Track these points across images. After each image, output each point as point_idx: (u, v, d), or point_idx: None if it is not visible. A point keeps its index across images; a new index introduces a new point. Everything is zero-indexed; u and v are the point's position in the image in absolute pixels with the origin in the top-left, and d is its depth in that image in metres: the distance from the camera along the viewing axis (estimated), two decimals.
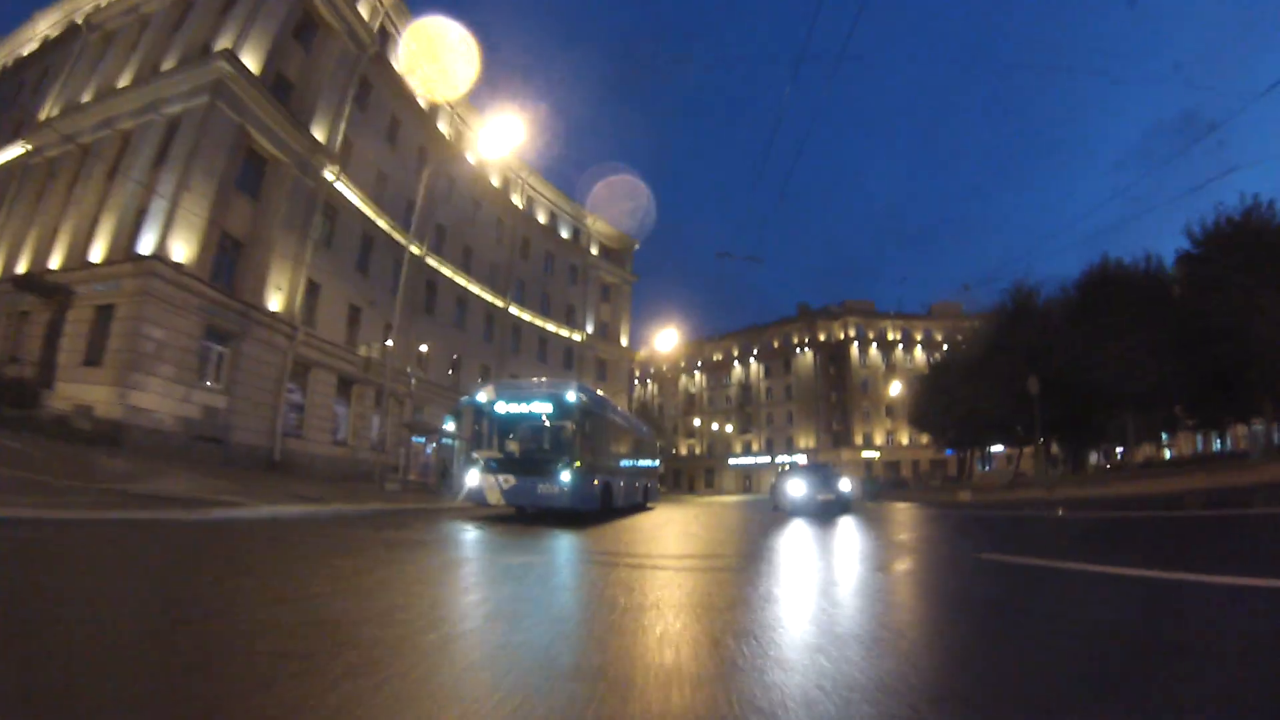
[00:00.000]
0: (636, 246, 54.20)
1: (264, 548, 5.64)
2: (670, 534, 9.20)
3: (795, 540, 7.85)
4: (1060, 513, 12.60)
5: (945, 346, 56.80)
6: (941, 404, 37.17)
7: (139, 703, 1.61)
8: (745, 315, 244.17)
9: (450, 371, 34.88)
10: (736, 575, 4.69)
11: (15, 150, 27.16)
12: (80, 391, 18.42)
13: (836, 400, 67.79)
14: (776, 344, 73.89)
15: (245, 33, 22.32)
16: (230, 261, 21.62)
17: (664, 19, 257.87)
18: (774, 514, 15.19)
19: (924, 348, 69.39)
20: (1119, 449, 43.89)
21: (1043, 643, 2.54)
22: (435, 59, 33.12)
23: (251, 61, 22.09)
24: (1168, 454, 47.97)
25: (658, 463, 25.73)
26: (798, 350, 71.99)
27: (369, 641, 2.30)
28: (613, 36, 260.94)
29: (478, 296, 37.45)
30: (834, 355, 69.37)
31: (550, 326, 45.09)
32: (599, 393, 16.06)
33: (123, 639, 2.27)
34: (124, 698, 1.64)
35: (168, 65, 23.07)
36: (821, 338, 71.07)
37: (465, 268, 36.35)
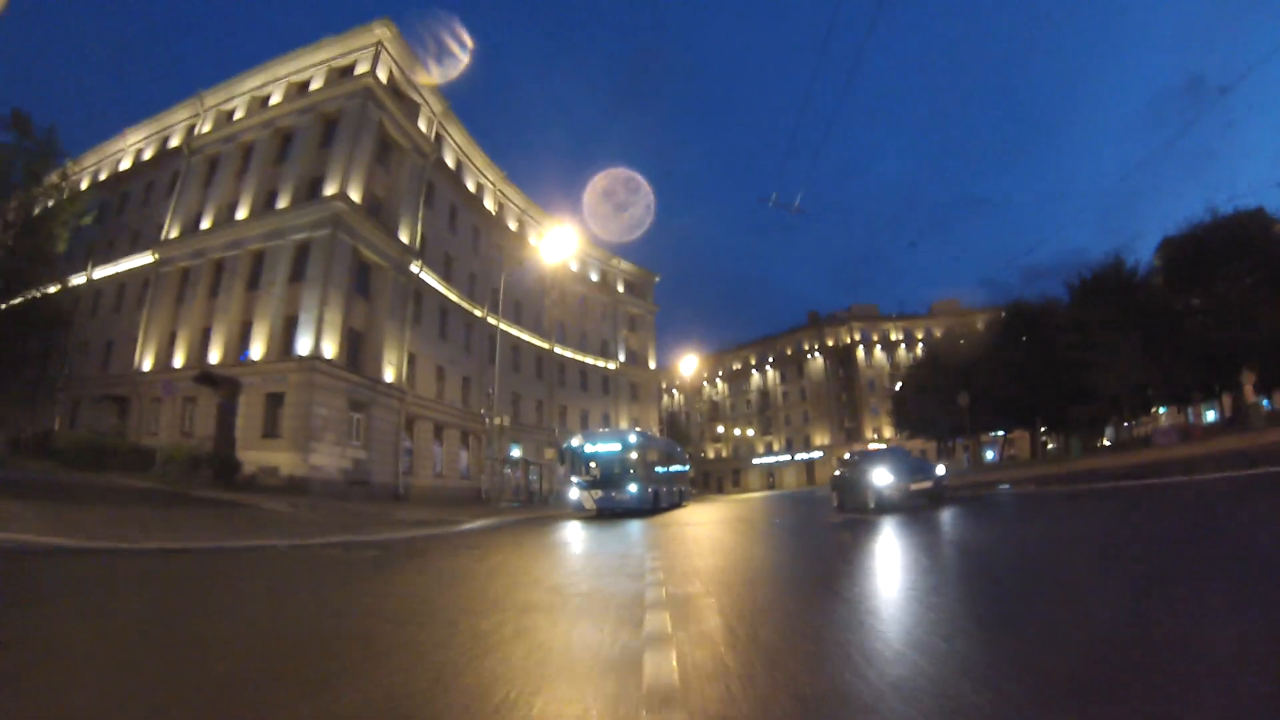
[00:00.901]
0: (657, 280, 60.74)
1: (526, 533, 12.06)
2: (694, 516, 15.59)
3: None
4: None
5: (920, 348, 62.61)
6: (933, 401, 43.08)
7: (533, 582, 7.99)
8: (761, 324, 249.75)
9: (511, 405, 41.66)
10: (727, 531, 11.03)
11: (144, 258, 34.09)
12: (263, 457, 25.18)
13: (847, 400, 73.74)
14: (789, 351, 79.99)
15: (347, 171, 29.17)
16: (356, 349, 28.50)
17: (670, 28, 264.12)
18: (835, 515, 13.19)
19: (925, 345, 74.96)
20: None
21: None
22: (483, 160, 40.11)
23: (355, 194, 28.98)
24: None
25: (688, 468, 33.08)
26: (809, 356, 78.03)
27: (598, 549, 8.67)
28: (625, 49, 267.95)
29: (529, 343, 44.26)
30: (842, 359, 75.34)
31: (588, 359, 51.77)
32: (648, 432, 22.83)
33: (520, 566, 8.65)
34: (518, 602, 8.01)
35: (284, 197, 29.97)
36: (830, 343, 77.05)
37: (517, 319, 43.18)
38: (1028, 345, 36.19)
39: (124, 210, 38.02)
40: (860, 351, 75.17)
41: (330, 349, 26.15)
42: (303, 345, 25.95)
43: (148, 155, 38.64)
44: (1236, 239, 27.97)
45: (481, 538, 11.01)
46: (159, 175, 36.75)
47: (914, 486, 12.71)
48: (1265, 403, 34.77)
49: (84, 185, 39.04)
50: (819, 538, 9.29)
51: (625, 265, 58.11)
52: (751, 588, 4.81)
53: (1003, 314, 41.64)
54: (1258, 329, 26.11)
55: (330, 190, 28.29)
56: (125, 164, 40.03)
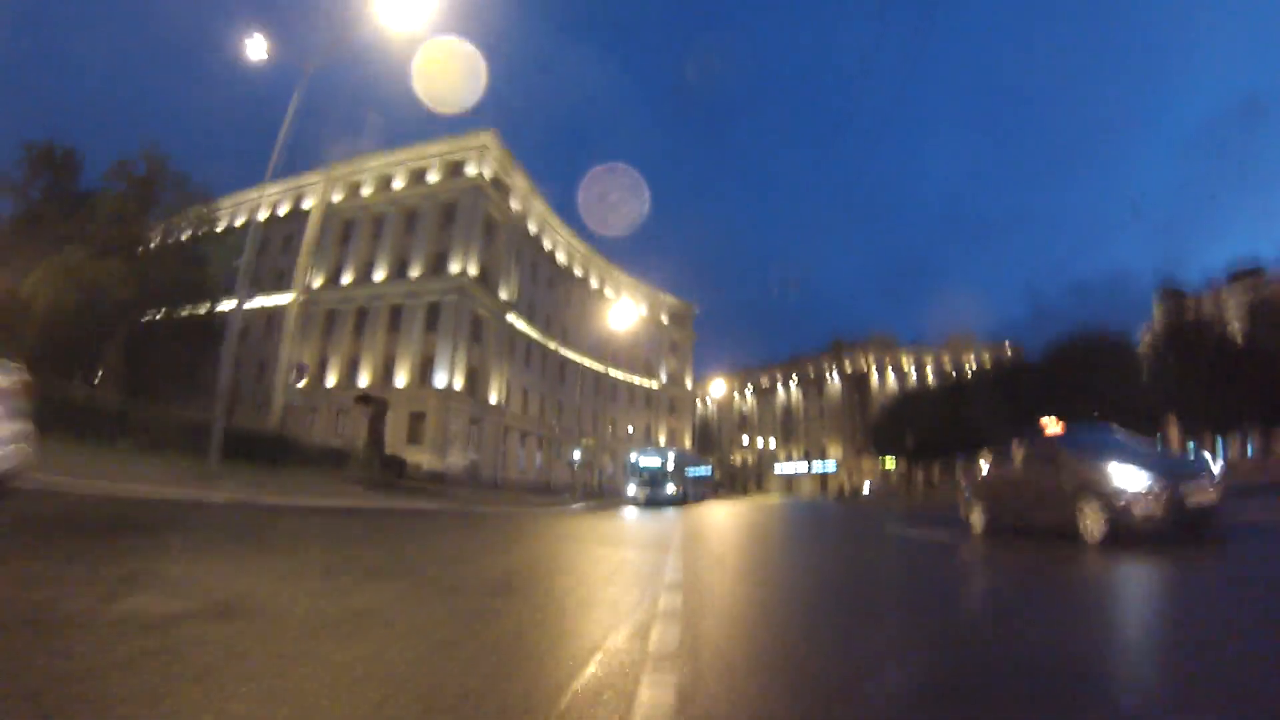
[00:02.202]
0: (696, 311, 70.93)
1: (605, 513, 22.31)
2: (711, 509, 25.69)
3: None
4: None
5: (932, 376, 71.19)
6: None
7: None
8: (799, 338, 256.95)
9: (575, 419, 52.38)
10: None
11: (289, 296, 45.27)
12: (408, 457, 36.09)
13: (860, 421, 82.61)
14: (812, 373, 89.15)
15: (466, 250, 39.99)
16: (473, 381, 39.42)
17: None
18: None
19: (935, 375, 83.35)
20: None
21: None
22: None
23: (472, 268, 39.85)
24: None
25: (710, 473, 43.68)
26: (829, 378, 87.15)
27: (649, 522, 18.84)
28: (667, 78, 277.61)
29: (588, 366, 54.96)
30: (858, 383, 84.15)
31: (635, 380, 62.26)
32: (679, 448, 33.22)
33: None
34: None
35: (416, 266, 40.93)
36: (848, 369, 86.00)
37: (579, 347, 53.85)
38: (997, 389, 45.22)
39: (265, 252, 49.47)
40: (874, 379, 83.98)
41: (459, 383, 37.12)
42: (439, 380, 36.96)
43: (283, 210, 50.06)
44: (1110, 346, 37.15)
45: (583, 513, 21.22)
46: (295, 228, 48.08)
47: (1191, 499, 6.96)
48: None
49: (221, 225, 50.38)
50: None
51: (669, 298, 68.41)
52: (729, 549, 14.90)
53: (983, 359, 50.53)
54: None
55: (455, 268, 39.28)
56: (263, 214, 51.59)
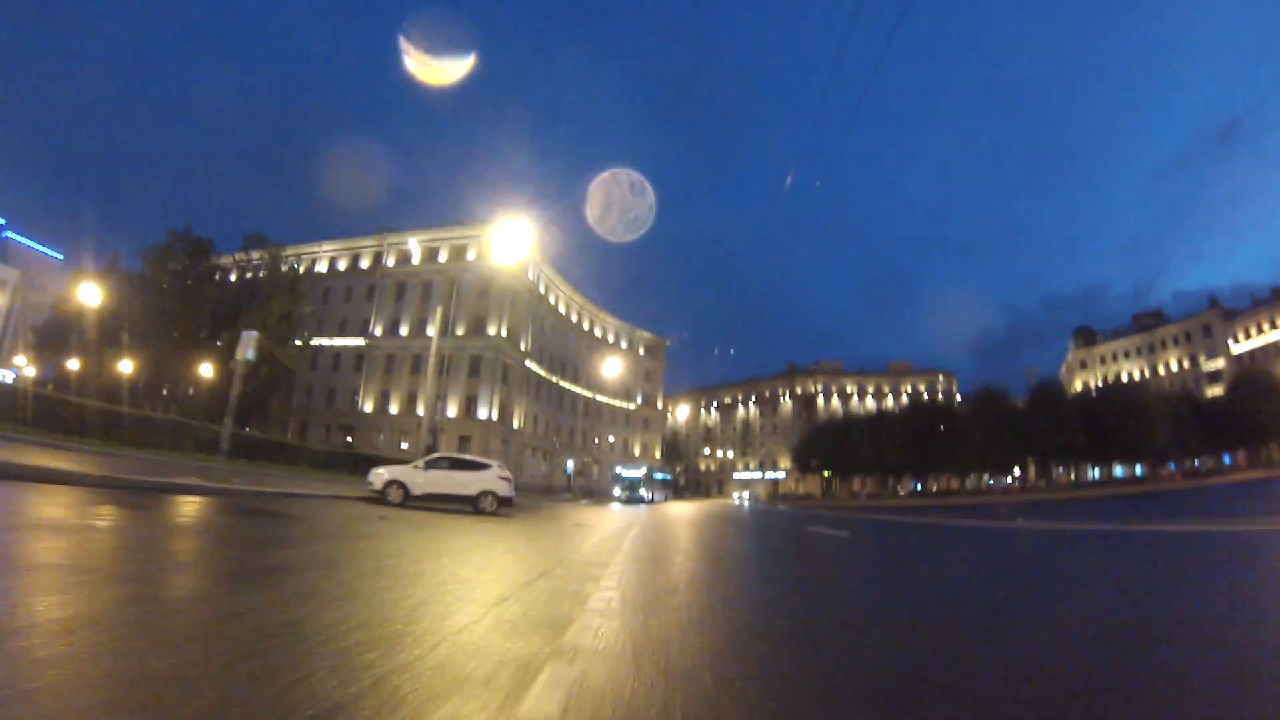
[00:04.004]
0: (667, 343, 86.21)
1: (600, 507, 37.35)
2: (670, 507, 40.84)
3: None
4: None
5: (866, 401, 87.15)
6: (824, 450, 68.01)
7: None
8: (757, 359, 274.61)
9: (567, 436, 67.37)
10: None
11: (353, 340, 59.82)
12: None
13: (807, 436, 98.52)
14: (768, 394, 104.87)
15: (500, 316, 54.74)
16: (503, 412, 54.26)
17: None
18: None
19: (874, 398, 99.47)
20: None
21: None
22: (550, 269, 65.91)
23: (504, 329, 54.60)
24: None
25: (671, 479, 59.58)
26: (782, 399, 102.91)
27: (626, 512, 33.99)
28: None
29: (580, 394, 70.03)
30: (806, 405, 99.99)
31: (616, 402, 77.37)
32: (649, 464, 48.79)
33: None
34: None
35: (461, 326, 55.54)
36: (799, 390, 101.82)
37: (575, 379, 68.86)
38: (912, 425, 60.79)
39: (328, 301, 63.72)
40: (820, 400, 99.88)
41: (495, 415, 51.96)
42: (481, 413, 51.82)
43: (342, 265, 64.21)
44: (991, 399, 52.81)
45: (586, 506, 36.16)
46: (355, 283, 62.32)
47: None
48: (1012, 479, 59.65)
49: (283, 269, 64.79)
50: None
51: (644, 334, 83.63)
52: (673, 523, 30.05)
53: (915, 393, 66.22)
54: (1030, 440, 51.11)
55: (491, 330, 54.19)
56: (321, 266, 65.77)
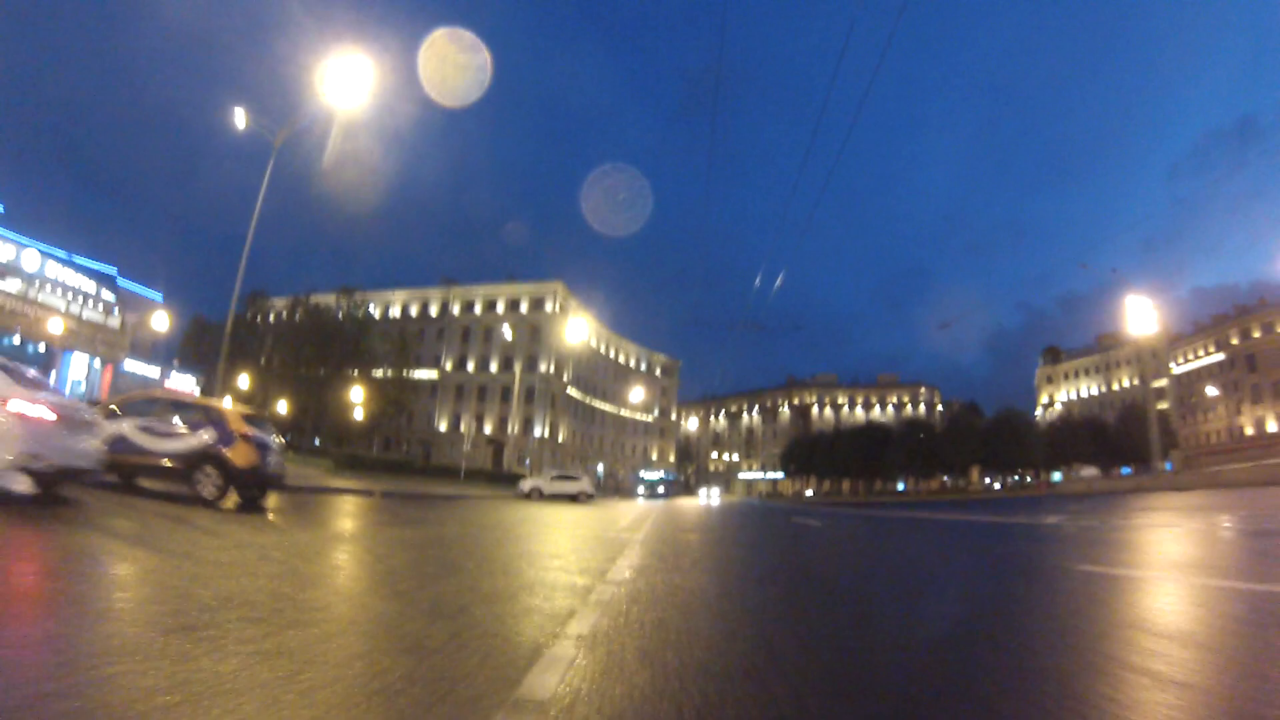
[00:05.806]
0: (679, 364, 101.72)
1: (628, 501, 52.90)
2: (679, 502, 56.24)
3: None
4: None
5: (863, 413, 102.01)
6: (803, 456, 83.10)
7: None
8: (763, 367, 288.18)
9: (599, 445, 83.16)
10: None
11: (427, 373, 75.86)
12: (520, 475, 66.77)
13: (789, 446, 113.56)
14: (769, 403, 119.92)
15: (548, 355, 70.58)
16: (550, 430, 70.10)
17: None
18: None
19: (864, 408, 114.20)
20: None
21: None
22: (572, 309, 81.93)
23: (552, 367, 70.47)
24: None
25: (676, 477, 76.05)
26: (781, 408, 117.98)
27: (649, 506, 49.46)
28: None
29: (607, 411, 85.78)
30: (802, 414, 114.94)
31: (637, 416, 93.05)
32: (663, 470, 64.89)
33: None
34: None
35: (518, 362, 71.37)
36: (796, 401, 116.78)
37: (603, 397, 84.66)
38: (863, 440, 75.84)
39: (406, 339, 79.72)
40: (815, 410, 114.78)
41: (546, 433, 67.85)
42: (536, 431, 67.68)
43: (413, 310, 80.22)
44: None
45: (619, 500, 51.65)
46: (427, 326, 78.35)
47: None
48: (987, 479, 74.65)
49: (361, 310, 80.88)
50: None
51: (661, 357, 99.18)
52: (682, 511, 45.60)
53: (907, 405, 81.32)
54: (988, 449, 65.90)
55: (542, 368, 70.03)
56: (394, 310, 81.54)
